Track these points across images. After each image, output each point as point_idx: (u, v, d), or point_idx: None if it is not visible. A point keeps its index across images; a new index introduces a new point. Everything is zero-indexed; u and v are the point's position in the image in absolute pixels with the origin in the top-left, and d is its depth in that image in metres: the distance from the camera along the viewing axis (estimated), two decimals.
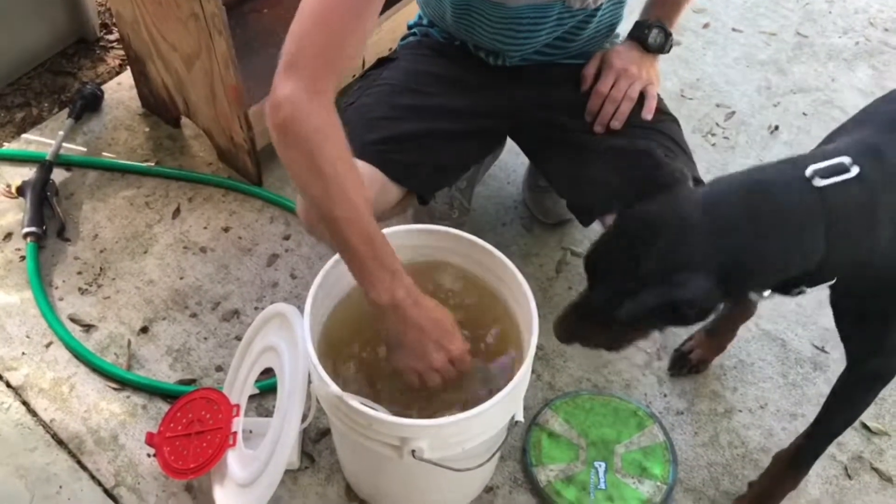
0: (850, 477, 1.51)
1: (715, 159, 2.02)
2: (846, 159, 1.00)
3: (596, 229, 1.68)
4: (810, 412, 1.57)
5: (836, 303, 1.20)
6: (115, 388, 1.57)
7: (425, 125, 1.45)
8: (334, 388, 1.13)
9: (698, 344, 1.64)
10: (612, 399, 1.58)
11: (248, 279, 1.75)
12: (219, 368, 1.61)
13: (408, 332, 1.18)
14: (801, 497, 1.47)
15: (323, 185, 1.10)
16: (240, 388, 1.44)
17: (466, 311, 1.34)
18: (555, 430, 1.53)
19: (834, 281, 1.07)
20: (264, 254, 1.79)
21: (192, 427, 1.43)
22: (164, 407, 1.55)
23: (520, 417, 1.27)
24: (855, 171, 0.99)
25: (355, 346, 1.31)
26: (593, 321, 1.12)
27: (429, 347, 1.19)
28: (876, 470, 1.51)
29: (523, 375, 1.19)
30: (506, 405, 1.19)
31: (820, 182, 0.99)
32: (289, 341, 1.31)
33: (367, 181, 1.28)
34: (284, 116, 1.08)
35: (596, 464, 1.50)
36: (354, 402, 1.13)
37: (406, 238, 1.34)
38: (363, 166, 1.34)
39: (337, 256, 1.23)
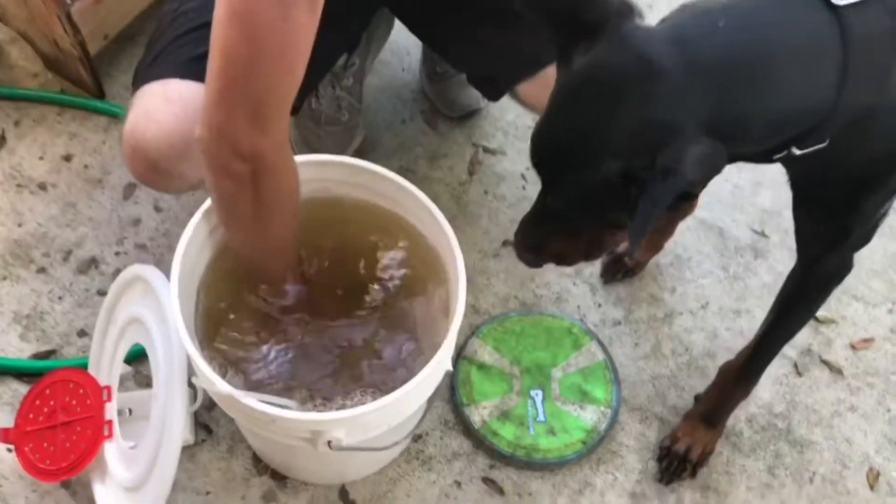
0: (799, 374, 1.40)
1: None
2: None
3: (508, 108, 1.44)
4: (754, 306, 1.45)
5: (801, 185, 0.98)
6: None
7: None
8: (223, 386, 0.91)
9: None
10: (543, 318, 1.41)
11: (102, 218, 1.45)
12: (82, 333, 1.34)
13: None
14: (750, 402, 1.36)
15: (265, 232, 1.03)
16: (107, 365, 1.19)
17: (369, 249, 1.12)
18: (485, 362, 1.36)
19: (824, 144, 0.82)
20: (118, 184, 1.49)
21: (55, 417, 1.18)
22: (22, 389, 1.28)
23: (448, 367, 1.08)
24: None
25: (244, 305, 1.08)
26: (561, 231, 0.88)
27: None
28: (825, 362, 1.42)
29: (451, 336, 0.99)
30: (434, 377, 0.99)
31: (841, 0, 0.75)
32: (157, 314, 1.06)
33: (197, 105, 1.02)
34: (252, 173, 0.93)
35: (532, 393, 1.34)
36: (252, 401, 0.91)
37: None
38: (188, 88, 1.06)
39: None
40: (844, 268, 1.09)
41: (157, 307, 1.05)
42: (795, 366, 1.41)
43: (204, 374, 0.92)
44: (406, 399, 0.95)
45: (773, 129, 0.80)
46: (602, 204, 0.80)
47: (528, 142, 0.85)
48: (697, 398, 1.35)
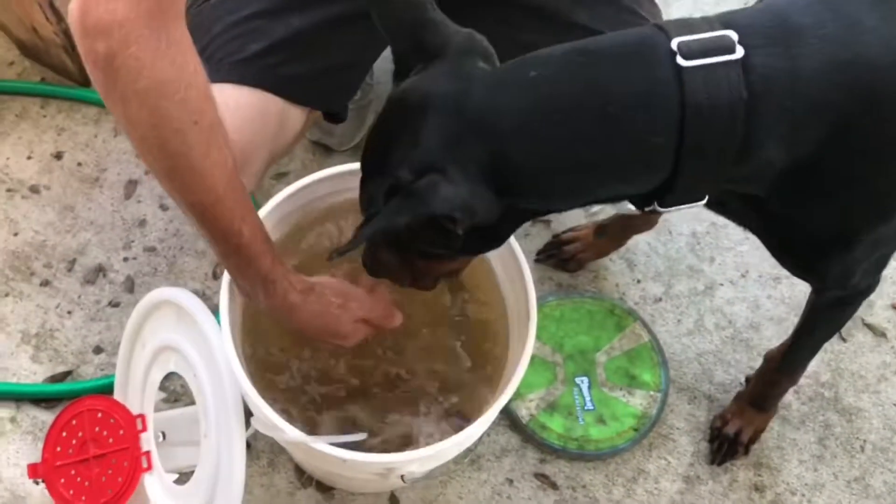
0: (843, 339, 1.38)
1: None
2: (733, 35, 0.72)
3: None
4: None
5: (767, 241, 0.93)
6: None
7: (320, 13, 1.05)
8: (294, 433, 0.84)
9: (581, 238, 1.37)
10: (583, 301, 1.35)
11: (104, 221, 1.34)
12: (98, 349, 1.25)
13: (303, 330, 0.96)
14: None
15: (167, 163, 0.76)
16: (138, 392, 1.11)
17: None
18: None
19: (702, 202, 0.79)
20: (118, 182, 1.37)
21: (86, 450, 1.10)
22: (40, 416, 1.20)
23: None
24: (740, 53, 0.71)
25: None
26: (385, 251, 0.86)
27: (326, 344, 0.99)
28: (868, 326, 1.39)
29: (521, 368, 0.92)
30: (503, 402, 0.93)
31: (684, 62, 0.71)
32: (197, 343, 0.97)
33: (256, 114, 0.92)
34: (113, 52, 0.69)
35: (577, 380, 1.29)
36: (324, 445, 0.84)
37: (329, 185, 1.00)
38: (243, 95, 0.96)
39: None
40: (851, 298, 1.02)
41: (196, 337, 0.97)
42: (839, 332, 1.38)
43: (269, 421, 0.85)
44: (479, 429, 0.89)
45: (575, 190, 0.77)
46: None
47: None
48: (748, 379, 1.31)
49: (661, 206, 0.78)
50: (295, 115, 1.04)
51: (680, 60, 0.70)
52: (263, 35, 0.99)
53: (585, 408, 1.27)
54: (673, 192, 0.75)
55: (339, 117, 1.15)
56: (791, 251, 0.92)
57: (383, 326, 1.00)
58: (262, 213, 0.93)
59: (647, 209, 0.79)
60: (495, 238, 0.81)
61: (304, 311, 0.91)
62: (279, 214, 1.00)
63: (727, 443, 1.27)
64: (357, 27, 1.09)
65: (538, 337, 1.31)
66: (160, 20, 0.70)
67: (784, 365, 1.20)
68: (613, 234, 1.37)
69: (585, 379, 1.30)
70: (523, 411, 1.26)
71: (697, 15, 1.73)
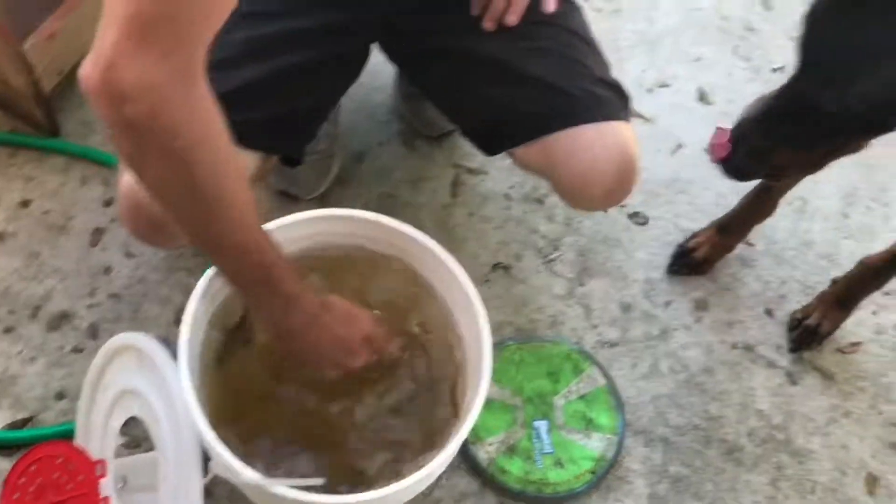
0: (794, 383, 1.41)
1: (601, 28, 1.75)
2: None
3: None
4: (745, 316, 1.46)
5: None
6: None
7: (277, 62, 1.09)
8: (252, 476, 0.85)
9: (707, 241, 1.46)
10: (541, 345, 1.38)
11: (70, 268, 1.36)
12: (60, 396, 1.26)
13: (309, 354, 0.98)
14: (750, 416, 1.37)
15: (206, 210, 0.78)
16: (98, 438, 1.12)
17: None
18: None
19: None
20: (84, 230, 1.39)
21: (45, 496, 1.10)
22: (2, 463, 1.20)
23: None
24: None
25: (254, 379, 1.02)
26: (797, 137, 0.80)
27: (326, 367, 1.00)
28: (818, 369, 1.43)
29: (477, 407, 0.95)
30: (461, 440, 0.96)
31: None
32: (158, 388, 0.99)
33: None
34: (146, 114, 0.70)
35: (536, 424, 1.32)
36: (283, 489, 0.86)
37: (295, 230, 1.02)
38: None
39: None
40: None
41: (157, 381, 0.98)
42: (790, 375, 1.42)
43: (227, 464, 0.86)
44: (432, 470, 0.91)
45: None
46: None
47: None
48: (835, 280, 1.43)
49: None
50: (247, 163, 1.08)
51: None
52: (217, 85, 1.01)
53: (544, 451, 1.30)
54: None
55: (296, 162, 1.18)
56: None
57: (384, 348, 1.03)
58: None
59: None
60: None
61: (322, 328, 0.94)
62: None
63: (807, 333, 1.42)
64: (312, 76, 1.13)
65: (498, 381, 1.34)
66: (190, 77, 0.72)
67: (884, 270, 1.33)
68: (735, 229, 1.45)
69: (544, 422, 1.32)
70: (483, 455, 1.28)
71: (651, 72, 1.81)
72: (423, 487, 0.98)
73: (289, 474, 0.93)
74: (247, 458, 0.90)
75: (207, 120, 0.74)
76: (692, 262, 1.47)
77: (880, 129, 0.83)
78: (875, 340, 1.47)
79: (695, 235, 1.48)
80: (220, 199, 0.77)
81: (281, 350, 0.97)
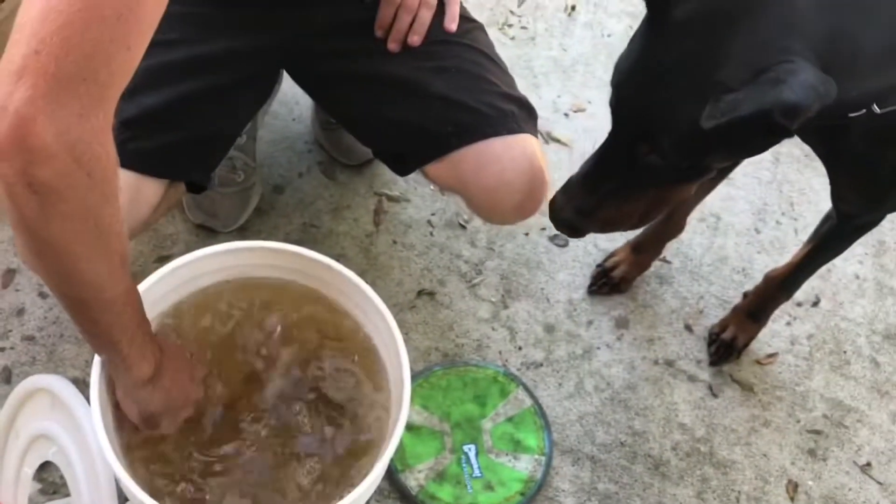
0: (715, 395, 1.45)
1: (517, 55, 1.79)
2: None
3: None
4: (665, 333, 1.49)
5: (854, 152, 1.00)
6: None
7: (176, 89, 1.09)
8: None
9: (623, 260, 1.49)
10: (468, 369, 1.39)
11: None
12: None
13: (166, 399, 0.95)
14: (673, 430, 1.40)
15: (98, 265, 0.77)
16: (11, 484, 1.08)
17: (302, 343, 1.06)
18: (414, 422, 1.32)
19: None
20: None
21: None
22: None
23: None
24: None
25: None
26: (620, 192, 0.85)
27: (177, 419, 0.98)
28: (737, 381, 1.47)
29: (395, 437, 0.94)
30: (382, 468, 0.95)
31: None
32: (71, 430, 0.96)
33: None
34: (61, 173, 0.67)
35: (465, 448, 1.32)
36: None
37: (210, 263, 1.01)
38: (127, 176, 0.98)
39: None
40: (876, 222, 1.25)
41: (70, 423, 0.95)
42: (710, 388, 1.45)
43: (141, 502, 0.84)
44: (364, 492, 0.91)
45: (876, 69, 0.80)
46: (705, 142, 0.78)
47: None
48: (746, 294, 1.48)
49: (881, 107, 0.82)
50: (149, 189, 1.07)
51: None
52: (118, 114, 1.00)
53: (473, 475, 1.30)
54: None
55: (199, 187, 1.17)
56: (879, 164, 1.01)
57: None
58: (140, 288, 0.93)
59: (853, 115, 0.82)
60: (752, 150, 0.82)
61: (165, 379, 0.92)
62: (159, 293, 1.01)
63: (724, 347, 1.47)
64: (216, 102, 1.13)
65: (425, 407, 1.34)
66: (108, 133, 0.70)
67: (787, 283, 1.41)
68: (649, 248, 1.49)
69: (473, 446, 1.33)
70: (412, 482, 1.27)
71: (566, 97, 1.84)
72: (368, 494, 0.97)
73: None
74: (167, 495, 0.88)
75: (111, 179, 0.72)
76: (611, 281, 1.50)
77: (701, 172, 0.88)
78: (790, 351, 1.52)
79: (612, 255, 1.52)
80: (113, 254, 0.76)
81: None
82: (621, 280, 1.50)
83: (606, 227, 0.91)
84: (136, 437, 0.96)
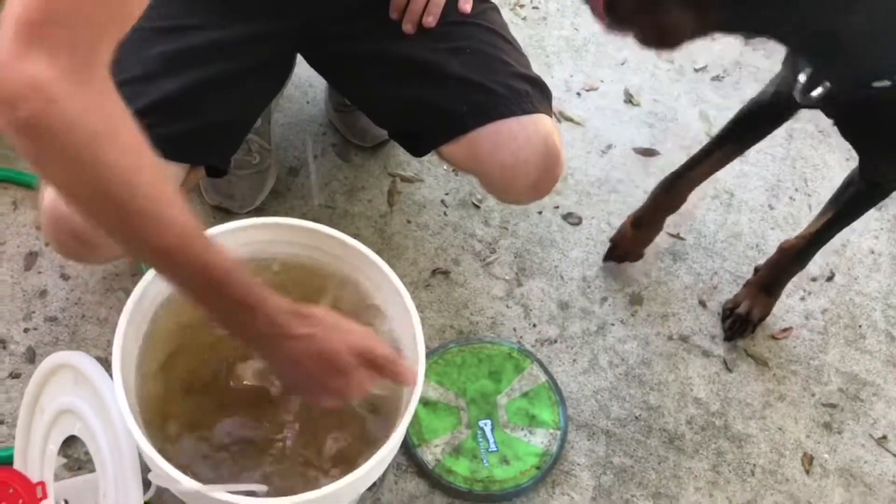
0: (729, 370, 1.46)
1: (529, 35, 1.80)
2: None
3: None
4: (679, 309, 1.50)
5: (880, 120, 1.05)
6: None
7: (195, 75, 1.10)
8: (189, 483, 0.86)
9: (625, 237, 1.51)
10: (482, 346, 1.40)
11: (4, 293, 1.34)
12: None
13: (288, 372, 0.90)
14: (688, 403, 1.41)
15: (118, 214, 0.74)
16: (37, 460, 1.10)
17: None
18: (430, 398, 1.34)
19: None
20: (17, 254, 1.38)
21: None
22: None
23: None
24: None
25: (187, 384, 1.02)
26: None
27: (312, 388, 0.91)
28: (751, 356, 1.48)
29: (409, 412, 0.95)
30: (396, 444, 0.97)
31: None
32: (95, 406, 0.98)
33: None
34: (35, 115, 0.68)
35: (481, 423, 1.34)
36: (223, 494, 0.86)
37: (233, 237, 1.03)
38: None
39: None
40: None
41: (93, 398, 0.98)
42: (725, 363, 1.46)
43: (165, 473, 0.86)
44: (378, 467, 0.92)
45: None
46: None
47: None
48: (757, 269, 1.50)
49: None
50: (169, 173, 1.08)
51: None
52: (137, 99, 1.00)
53: (489, 450, 1.31)
54: None
55: (220, 171, 1.19)
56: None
57: (391, 369, 0.91)
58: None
59: None
60: None
61: (298, 340, 0.84)
62: None
63: (739, 321, 1.48)
64: (233, 87, 1.15)
65: (441, 383, 1.36)
66: (83, 73, 0.70)
67: (802, 253, 1.42)
68: (651, 223, 1.49)
69: (488, 421, 1.34)
70: (429, 457, 1.29)
71: (578, 77, 1.85)
72: (363, 487, 0.99)
73: (233, 480, 0.93)
74: (188, 465, 0.91)
75: (105, 116, 0.72)
76: (620, 254, 1.51)
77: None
78: (804, 325, 1.52)
79: (617, 231, 1.53)
80: (133, 197, 0.73)
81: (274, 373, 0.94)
82: (626, 254, 1.51)
83: (653, 28, 0.85)
84: (157, 414, 0.98)
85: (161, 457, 0.87)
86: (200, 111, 1.11)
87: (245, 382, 1.00)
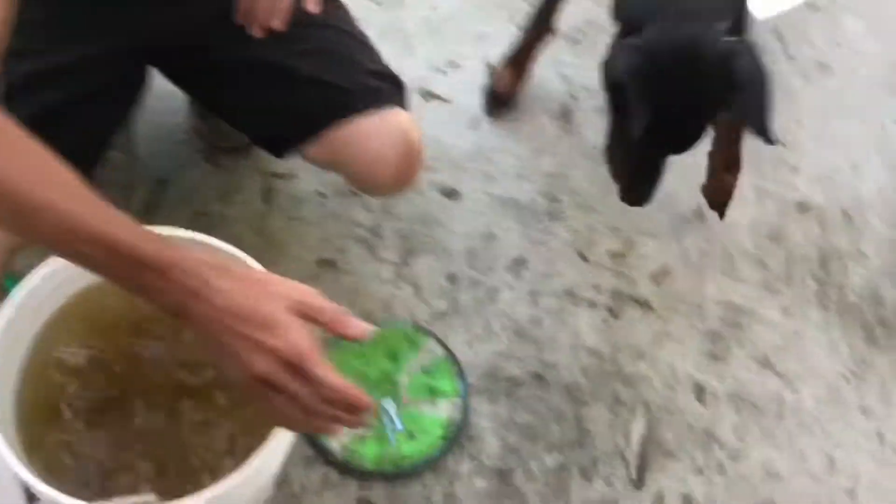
0: (615, 316, 1.52)
1: (387, 20, 1.82)
2: None
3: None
4: (560, 265, 1.55)
5: None
6: None
7: (37, 100, 1.08)
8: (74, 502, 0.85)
9: (500, 77, 1.71)
10: (377, 330, 1.41)
11: None
12: None
13: (214, 334, 0.75)
14: (580, 353, 1.46)
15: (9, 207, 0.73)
16: None
17: None
18: None
19: None
20: None
21: None
22: None
23: None
24: None
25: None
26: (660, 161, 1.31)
27: (241, 351, 0.75)
28: (635, 300, 1.54)
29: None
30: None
31: None
32: None
33: None
34: None
35: (384, 404, 1.36)
36: None
37: None
38: None
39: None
40: None
41: None
42: (610, 310, 1.52)
43: (49, 498, 0.85)
44: (264, 462, 0.93)
45: None
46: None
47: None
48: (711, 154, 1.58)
49: None
50: None
51: None
52: None
53: (396, 430, 1.33)
54: None
55: None
56: None
57: (334, 321, 0.83)
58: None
59: None
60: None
61: (221, 293, 0.74)
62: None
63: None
64: (81, 109, 1.13)
65: (341, 372, 1.37)
66: None
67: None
68: (522, 58, 1.71)
69: (391, 402, 1.36)
70: (334, 444, 1.30)
71: (441, 55, 1.87)
72: (259, 482, 0.99)
73: (126, 493, 0.92)
74: (75, 485, 0.90)
75: None
76: (499, 97, 1.72)
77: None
78: (680, 262, 1.60)
79: (494, 73, 1.73)
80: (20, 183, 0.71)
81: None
82: (506, 93, 1.72)
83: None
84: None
85: (43, 484, 0.86)
86: (51, 136, 1.09)
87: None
